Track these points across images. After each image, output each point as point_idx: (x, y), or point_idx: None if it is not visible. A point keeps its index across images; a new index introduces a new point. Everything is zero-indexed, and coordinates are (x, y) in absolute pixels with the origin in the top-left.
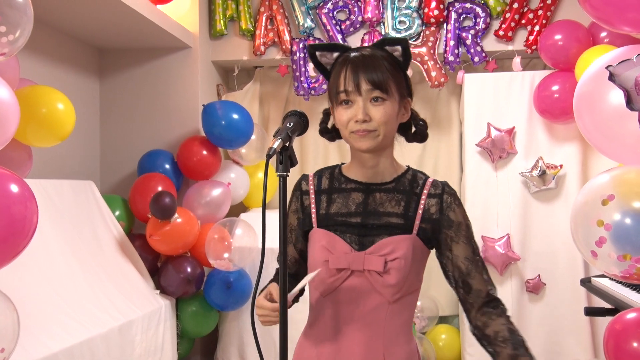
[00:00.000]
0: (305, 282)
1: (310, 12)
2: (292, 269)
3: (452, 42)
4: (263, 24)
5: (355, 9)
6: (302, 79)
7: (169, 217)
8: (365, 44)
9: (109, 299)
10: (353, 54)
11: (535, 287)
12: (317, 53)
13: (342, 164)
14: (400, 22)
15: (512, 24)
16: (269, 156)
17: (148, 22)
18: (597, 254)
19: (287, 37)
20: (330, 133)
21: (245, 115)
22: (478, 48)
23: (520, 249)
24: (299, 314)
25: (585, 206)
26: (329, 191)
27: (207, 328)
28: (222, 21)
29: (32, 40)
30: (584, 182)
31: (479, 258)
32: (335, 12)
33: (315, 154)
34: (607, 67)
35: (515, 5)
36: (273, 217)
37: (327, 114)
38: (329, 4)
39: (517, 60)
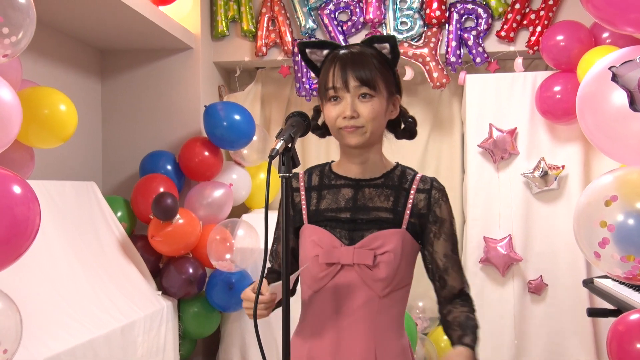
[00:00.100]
0: (294, 276)
1: (312, 13)
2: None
3: (453, 43)
4: (265, 25)
5: (357, 9)
6: (303, 80)
7: (170, 218)
8: None
9: (111, 300)
10: (342, 52)
11: (537, 288)
12: (307, 50)
13: (332, 161)
14: (402, 22)
15: (514, 25)
16: (271, 157)
17: (150, 23)
18: (600, 255)
19: (288, 38)
20: (321, 130)
21: (247, 116)
22: (480, 49)
23: (522, 250)
24: (295, 313)
25: (588, 207)
26: (319, 188)
27: (209, 329)
28: (223, 22)
29: (34, 41)
30: (586, 183)
31: (457, 256)
32: (337, 13)
33: (317, 154)
34: (610, 68)
35: (517, 6)
36: (275, 218)
37: (317, 111)
38: (331, 4)
39: (518, 61)
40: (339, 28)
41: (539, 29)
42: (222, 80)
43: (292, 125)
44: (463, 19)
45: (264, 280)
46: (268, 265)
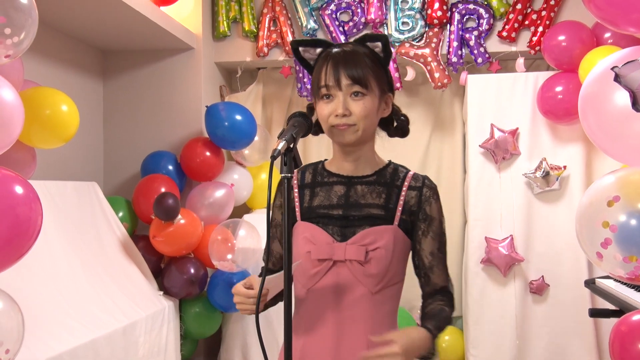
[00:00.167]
0: (280, 277)
1: (314, 13)
2: (277, 266)
3: (455, 43)
4: (266, 25)
5: (359, 10)
6: (305, 80)
7: (172, 218)
8: None
9: (113, 300)
10: (335, 50)
11: (538, 289)
12: (300, 48)
13: (326, 159)
14: (403, 23)
15: (516, 25)
16: (273, 157)
17: (151, 24)
18: (602, 255)
19: (290, 38)
20: (314, 127)
21: (249, 117)
22: (481, 49)
23: (524, 250)
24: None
25: (591, 207)
26: (312, 185)
27: (210, 329)
28: (225, 22)
29: (36, 42)
30: (588, 184)
31: (443, 255)
32: (338, 14)
33: (319, 154)
34: (612, 68)
35: (519, 6)
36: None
37: (310, 109)
38: (332, 5)
39: (520, 61)
40: (341, 28)
41: (540, 29)
42: (223, 80)
43: (294, 126)
44: (464, 19)
45: (253, 276)
46: (252, 263)
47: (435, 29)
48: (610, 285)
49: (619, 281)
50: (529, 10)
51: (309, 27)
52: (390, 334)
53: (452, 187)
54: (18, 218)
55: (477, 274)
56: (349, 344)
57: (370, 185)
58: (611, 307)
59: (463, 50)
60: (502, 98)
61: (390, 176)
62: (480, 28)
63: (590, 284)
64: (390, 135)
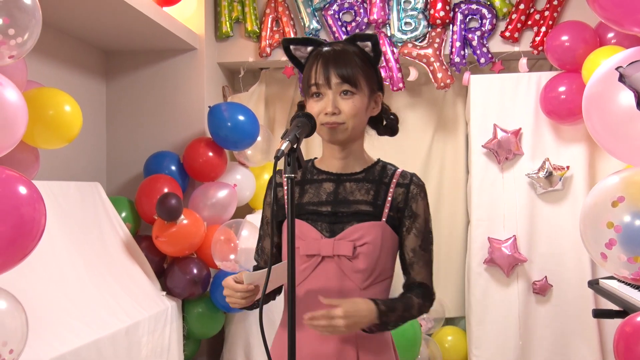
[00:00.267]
0: (277, 267)
1: (316, 13)
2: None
3: (458, 44)
4: (269, 25)
5: (361, 10)
6: None
7: (175, 218)
8: None
9: (116, 300)
10: (325, 49)
11: (542, 289)
12: (292, 47)
13: (316, 158)
14: (406, 23)
15: (519, 25)
16: (277, 158)
17: (154, 24)
18: (606, 256)
19: None
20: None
21: (251, 117)
22: (484, 49)
23: (527, 251)
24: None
25: (595, 208)
26: (301, 183)
27: (213, 329)
28: (227, 23)
29: (39, 42)
30: (591, 184)
31: (426, 253)
32: (341, 14)
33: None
34: (617, 68)
35: (522, 6)
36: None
37: (301, 107)
38: (335, 5)
39: (523, 61)
40: (343, 29)
41: (543, 29)
42: (226, 80)
43: (297, 126)
44: (467, 19)
45: (247, 273)
46: (254, 263)
47: (438, 29)
48: (614, 285)
49: (623, 282)
50: (532, 10)
51: (311, 27)
52: (339, 300)
53: (454, 187)
54: (22, 218)
55: (480, 274)
56: (337, 339)
57: (359, 182)
58: (615, 307)
59: (466, 50)
60: (505, 98)
61: (378, 173)
62: (483, 28)
63: (593, 284)
64: (380, 133)
